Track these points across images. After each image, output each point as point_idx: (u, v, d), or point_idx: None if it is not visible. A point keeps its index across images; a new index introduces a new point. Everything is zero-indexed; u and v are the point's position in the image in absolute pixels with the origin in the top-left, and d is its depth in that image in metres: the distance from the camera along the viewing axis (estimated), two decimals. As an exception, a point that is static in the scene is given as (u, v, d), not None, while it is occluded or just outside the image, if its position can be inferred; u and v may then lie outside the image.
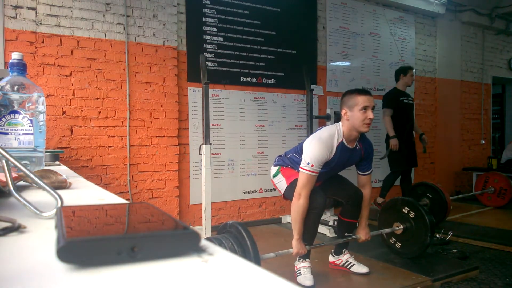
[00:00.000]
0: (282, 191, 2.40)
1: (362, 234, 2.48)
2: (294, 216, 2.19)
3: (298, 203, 2.15)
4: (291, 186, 2.26)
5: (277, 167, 2.44)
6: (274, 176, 2.45)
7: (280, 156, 2.51)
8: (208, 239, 1.33)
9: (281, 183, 2.38)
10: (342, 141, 2.21)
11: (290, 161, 2.39)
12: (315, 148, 2.14)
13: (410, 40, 5.32)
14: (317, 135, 2.21)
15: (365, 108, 2.14)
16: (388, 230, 2.68)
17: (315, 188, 2.21)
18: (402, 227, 2.64)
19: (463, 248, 3.15)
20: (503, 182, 4.69)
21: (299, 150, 2.32)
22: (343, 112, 2.22)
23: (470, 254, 3.00)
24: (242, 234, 1.30)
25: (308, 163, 2.13)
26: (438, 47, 5.63)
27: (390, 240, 2.75)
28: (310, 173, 2.13)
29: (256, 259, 1.26)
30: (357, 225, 2.53)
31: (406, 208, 2.64)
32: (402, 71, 4.01)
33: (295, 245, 2.20)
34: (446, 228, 3.47)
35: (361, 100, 2.15)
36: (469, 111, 6.08)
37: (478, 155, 6.18)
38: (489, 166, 5.76)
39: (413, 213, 2.60)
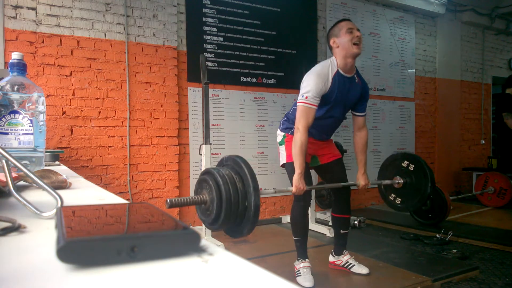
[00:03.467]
0: (281, 163, 2.42)
1: (362, 180, 2.43)
2: (294, 151, 2.16)
3: (297, 137, 2.14)
4: (289, 165, 2.26)
5: (283, 134, 2.42)
6: (280, 144, 2.44)
7: (286, 116, 2.46)
8: (206, 170, 1.33)
9: (282, 156, 2.39)
10: (337, 71, 2.21)
11: (294, 116, 2.32)
12: (309, 80, 2.15)
13: (410, 40, 5.32)
14: (311, 70, 2.22)
15: (350, 30, 2.18)
16: (388, 181, 2.58)
17: (306, 181, 2.22)
18: (402, 181, 2.56)
19: (463, 248, 3.15)
20: (503, 182, 4.69)
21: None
22: (331, 42, 2.25)
23: (470, 254, 3.00)
24: (239, 163, 1.31)
25: (303, 96, 2.14)
26: (438, 47, 5.63)
27: (390, 197, 2.65)
28: (305, 105, 2.13)
29: (255, 187, 1.26)
30: (349, 219, 2.50)
31: (406, 161, 2.57)
32: None
33: (296, 180, 2.14)
34: (446, 228, 3.47)
35: (344, 24, 2.22)
36: (469, 111, 6.08)
37: (478, 155, 6.19)
38: (489, 166, 5.76)
39: (413, 166, 2.53)
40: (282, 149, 2.40)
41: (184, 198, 1.37)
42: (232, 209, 1.26)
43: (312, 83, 2.13)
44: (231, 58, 3.92)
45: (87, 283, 0.28)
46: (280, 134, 2.46)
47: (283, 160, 2.39)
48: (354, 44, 2.16)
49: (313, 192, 3.50)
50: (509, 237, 3.34)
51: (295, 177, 2.15)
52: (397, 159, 2.64)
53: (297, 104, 2.17)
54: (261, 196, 1.33)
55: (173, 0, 3.58)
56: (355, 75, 2.29)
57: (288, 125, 2.41)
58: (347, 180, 2.46)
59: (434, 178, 2.49)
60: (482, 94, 6.22)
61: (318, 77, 2.14)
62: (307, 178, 2.30)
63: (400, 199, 2.62)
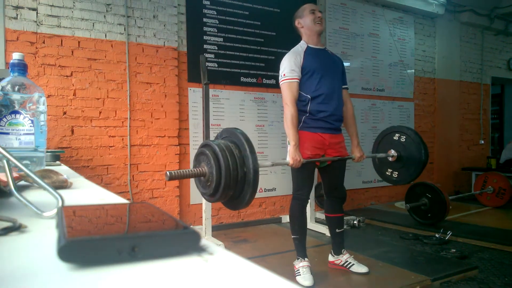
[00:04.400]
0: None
1: (356, 151, 2.46)
2: (287, 125, 2.26)
3: (286, 112, 2.26)
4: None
5: None
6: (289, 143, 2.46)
7: None
8: (204, 143, 1.33)
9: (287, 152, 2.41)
10: (307, 46, 2.38)
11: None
12: (283, 61, 2.34)
13: (410, 40, 5.32)
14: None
15: (313, 11, 2.40)
16: (382, 154, 2.57)
17: (304, 182, 2.25)
18: (396, 154, 2.53)
19: (462, 247, 3.15)
20: (502, 182, 4.69)
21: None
22: (296, 23, 2.47)
23: (469, 253, 3.01)
24: (234, 132, 1.32)
25: (281, 75, 2.32)
26: (437, 47, 5.63)
27: (387, 173, 2.63)
28: (285, 81, 2.29)
29: (251, 148, 1.26)
30: (343, 217, 2.51)
31: (397, 134, 2.56)
32: None
33: (291, 152, 2.18)
34: (445, 227, 3.48)
35: (307, 6, 2.45)
36: (468, 111, 6.08)
37: (477, 155, 6.19)
38: (488, 166, 5.76)
39: (404, 137, 2.52)
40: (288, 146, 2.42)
41: (183, 170, 1.36)
42: (232, 175, 1.26)
43: (285, 61, 2.33)
44: (231, 59, 3.93)
45: (87, 283, 0.28)
46: None
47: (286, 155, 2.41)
48: (316, 23, 2.35)
49: (312, 191, 3.50)
50: (508, 236, 3.34)
51: (291, 149, 2.19)
52: (387, 134, 2.63)
53: (280, 84, 2.31)
54: (259, 168, 1.32)
55: (173, 0, 3.58)
56: (327, 49, 2.47)
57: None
58: (343, 182, 2.47)
59: (426, 145, 2.46)
60: (481, 95, 6.22)
61: (289, 54, 2.34)
62: (310, 178, 2.30)
63: (396, 173, 2.59)
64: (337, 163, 2.43)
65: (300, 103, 2.31)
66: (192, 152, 3.68)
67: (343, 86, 2.49)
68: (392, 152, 2.54)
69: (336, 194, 2.45)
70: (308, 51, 2.35)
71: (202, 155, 1.31)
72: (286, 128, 2.25)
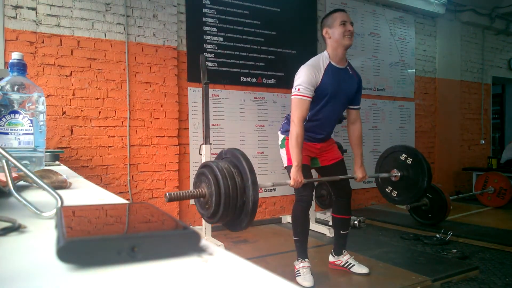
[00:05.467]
0: (284, 165, 2.43)
1: (359, 172, 2.42)
2: (291, 144, 2.18)
3: (293, 130, 2.16)
4: (290, 168, 2.26)
5: (283, 137, 2.42)
6: (281, 147, 2.45)
7: (286, 117, 2.47)
8: (205, 164, 1.33)
9: (284, 158, 2.40)
10: (329, 63, 2.24)
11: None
12: (301, 72, 2.18)
13: (410, 40, 5.32)
14: (304, 64, 2.25)
15: (343, 23, 2.21)
16: (385, 174, 2.58)
17: (307, 184, 2.22)
18: (399, 174, 2.55)
19: (463, 248, 3.15)
20: (503, 182, 4.69)
21: None
22: (324, 32, 2.29)
23: (470, 254, 3.00)
24: (237, 156, 1.31)
25: (296, 88, 2.17)
26: (438, 47, 5.63)
27: (387, 189, 2.65)
28: (298, 97, 2.15)
29: (253, 180, 1.26)
30: (350, 219, 2.51)
31: (404, 155, 2.57)
32: None
33: (293, 173, 2.15)
34: (446, 228, 3.48)
35: (338, 15, 2.25)
36: (469, 111, 6.08)
37: (478, 155, 6.19)
38: (489, 166, 5.76)
39: (411, 159, 2.53)
40: (283, 152, 2.41)
41: (183, 192, 1.37)
42: (231, 203, 1.26)
43: (304, 75, 2.17)
44: (231, 58, 3.92)
45: (87, 283, 0.28)
46: (280, 137, 2.47)
47: (284, 163, 2.41)
48: (346, 36, 2.21)
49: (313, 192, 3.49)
50: (509, 237, 3.34)
51: (293, 169, 2.16)
52: (396, 151, 2.63)
53: (291, 97, 2.20)
54: (259, 188, 1.33)
55: (173, 0, 3.58)
56: (347, 67, 2.32)
57: (288, 127, 2.39)
58: (348, 182, 2.46)
59: (431, 173, 2.49)
60: (482, 94, 6.22)
61: (309, 68, 2.19)
62: (308, 178, 2.30)
63: (396, 192, 2.61)
64: (336, 165, 2.44)
65: None
66: (192, 152, 3.68)
67: (355, 107, 2.40)
68: (395, 172, 2.58)
69: (344, 194, 2.42)
70: (329, 69, 2.21)
71: (202, 175, 1.31)
72: (290, 147, 2.19)
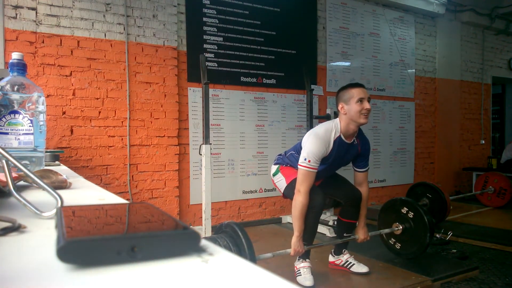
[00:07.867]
0: (282, 190, 2.41)
1: (361, 233, 2.47)
2: (294, 213, 2.18)
3: (297, 200, 2.14)
4: (291, 185, 2.26)
5: (277, 166, 2.45)
6: (274, 175, 2.46)
7: (280, 155, 2.52)
8: (206, 238, 1.34)
9: (281, 182, 2.39)
10: (339, 136, 2.22)
11: (289, 159, 2.39)
12: (312, 144, 2.15)
13: (410, 40, 5.32)
14: (314, 131, 2.22)
15: (361, 100, 2.17)
16: (387, 230, 2.68)
17: (314, 187, 2.21)
18: (401, 227, 2.64)
19: (463, 248, 3.15)
20: (503, 182, 4.69)
21: (298, 148, 2.33)
22: (339, 107, 2.24)
23: (470, 254, 3.00)
24: (238, 232, 1.31)
25: (305, 159, 2.14)
26: (438, 47, 5.63)
27: (390, 241, 2.75)
28: (307, 169, 2.14)
29: (252, 258, 1.26)
30: (356, 224, 2.53)
31: (405, 208, 2.64)
32: None
33: (294, 243, 2.18)
34: (446, 228, 3.47)
35: (356, 92, 2.19)
36: (469, 111, 6.08)
37: (478, 155, 6.18)
38: (489, 166, 5.76)
39: (412, 213, 2.60)
40: (278, 177, 2.42)
41: None
42: None
43: (315, 148, 2.14)
44: (231, 58, 3.92)
45: (87, 283, 0.28)
46: (273, 168, 2.49)
47: (283, 186, 2.38)
48: (362, 115, 2.17)
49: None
50: (509, 237, 3.34)
51: (294, 239, 2.18)
52: (396, 204, 2.71)
53: (300, 167, 2.16)
54: (258, 256, 1.33)
55: (173, 0, 3.58)
56: (355, 139, 2.31)
57: (282, 161, 2.44)
58: (354, 186, 2.46)
59: (433, 227, 2.54)
60: (482, 94, 6.22)
61: (321, 142, 2.16)
62: (318, 191, 2.27)
63: (400, 245, 2.70)
64: (333, 175, 2.47)
65: (296, 157, 2.29)
66: (192, 152, 3.68)
67: (362, 170, 2.39)
68: (397, 226, 2.65)
69: (354, 198, 2.40)
70: (337, 142, 2.21)
71: None
72: (293, 217, 2.19)
